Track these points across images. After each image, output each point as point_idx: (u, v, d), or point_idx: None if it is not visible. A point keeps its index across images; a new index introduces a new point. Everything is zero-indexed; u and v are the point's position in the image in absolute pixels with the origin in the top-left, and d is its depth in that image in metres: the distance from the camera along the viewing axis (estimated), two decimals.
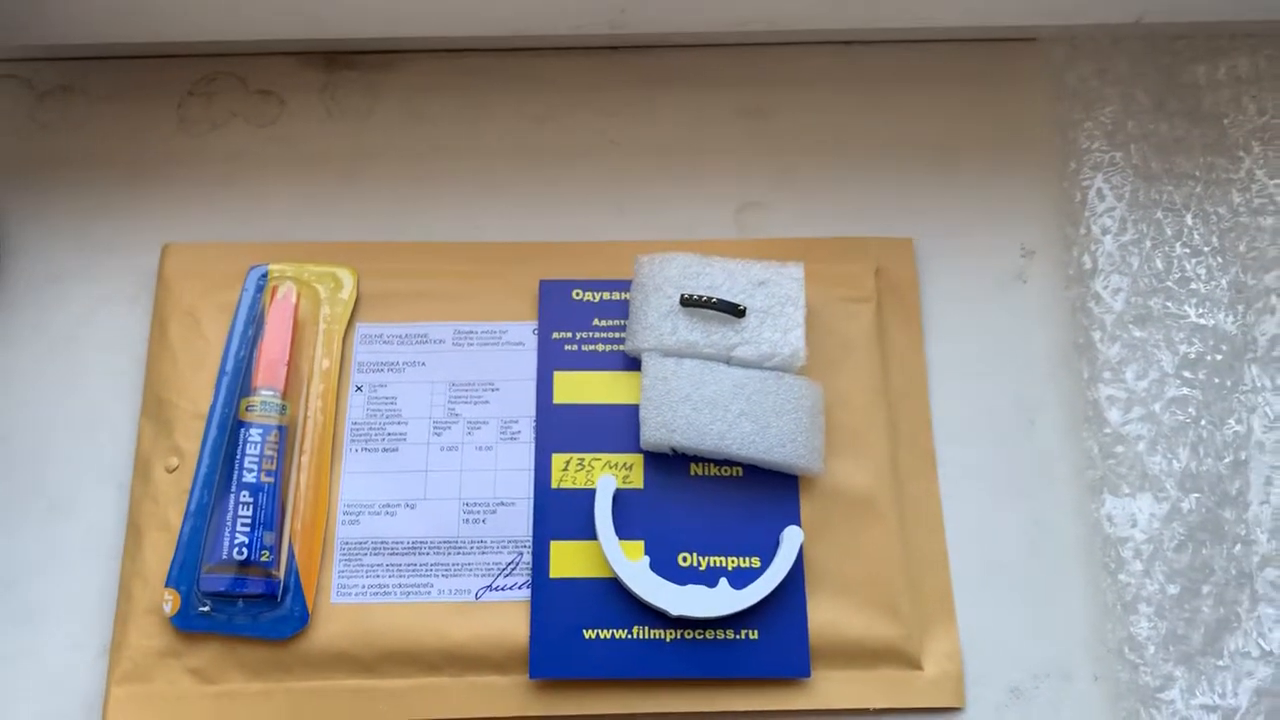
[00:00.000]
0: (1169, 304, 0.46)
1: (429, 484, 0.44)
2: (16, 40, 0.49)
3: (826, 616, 0.42)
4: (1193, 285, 0.46)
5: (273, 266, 0.46)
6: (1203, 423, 0.44)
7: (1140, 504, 0.43)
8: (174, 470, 0.44)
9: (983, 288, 0.48)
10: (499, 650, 0.42)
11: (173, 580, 0.42)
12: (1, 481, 0.45)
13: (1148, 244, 0.47)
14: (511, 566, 0.43)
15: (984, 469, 0.45)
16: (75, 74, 0.51)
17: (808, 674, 0.41)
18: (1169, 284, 0.46)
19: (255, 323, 0.45)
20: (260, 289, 0.46)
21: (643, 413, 0.43)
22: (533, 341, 0.46)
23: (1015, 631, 0.43)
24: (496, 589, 0.43)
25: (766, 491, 0.43)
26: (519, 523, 0.43)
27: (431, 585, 0.43)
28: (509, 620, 0.42)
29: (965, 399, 0.46)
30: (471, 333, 0.46)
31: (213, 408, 0.44)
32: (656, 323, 0.44)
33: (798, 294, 0.44)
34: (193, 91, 0.51)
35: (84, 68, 0.51)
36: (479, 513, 0.44)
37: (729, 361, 0.43)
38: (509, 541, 0.43)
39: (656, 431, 0.42)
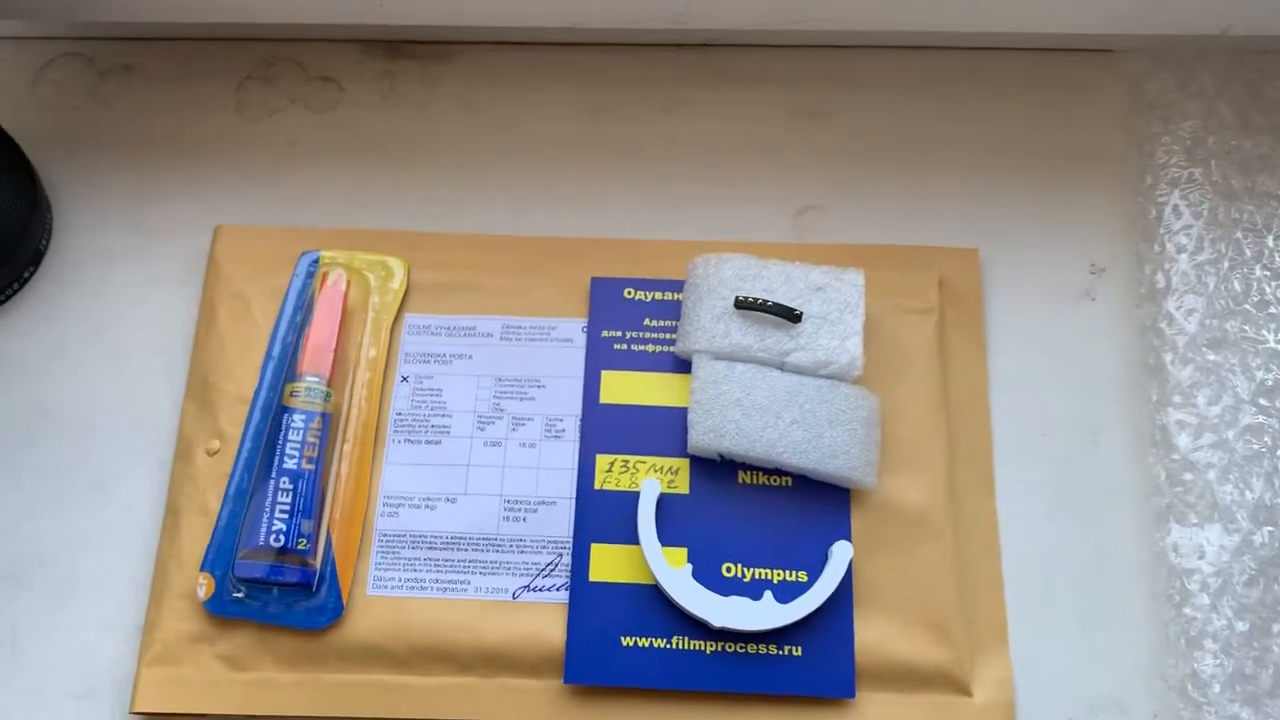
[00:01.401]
0: (1246, 327, 0.44)
1: (470, 479, 0.43)
2: (81, 18, 0.50)
3: (874, 636, 0.41)
4: (1272, 309, 0.44)
5: (324, 253, 0.46)
6: (1279, 452, 0.42)
7: (1209, 535, 0.41)
8: (215, 453, 0.43)
9: (1049, 303, 0.46)
10: (534, 653, 0.41)
11: (208, 564, 0.41)
12: (44, 457, 0.45)
13: (1225, 264, 0.45)
14: (550, 567, 0.42)
15: (1044, 491, 0.44)
16: (137, 54, 0.51)
17: (852, 695, 0.40)
18: (1247, 307, 0.44)
19: (304, 309, 0.45)
20: (311, 275, 0.45)
21: (691, 416, 0.42)
22: (581, 339, 0.45)
23: (1071, 662, 0.42)
24: (534, 589, 0.42)
25: (816, 504, 0.42)
26: (560, 523, 0.42)
27: (469, 582, 0.42)
28: (545, 622, 0.41)
29: (1027, 417, 0.45)
30: (520, 328, 0.45)
31: (257, 392, 0.44)
32: (709, 325, 0.42)
33: (857, 301, 0.43)
34: (252, 76, 0.51)
35: (145, 48, 0.52)
36: (520, 511, 0.43)
37: (782, 367, 0.42)
38: (549, 542, 0.42)
39: (704, 436, 0.41)
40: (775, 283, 0.43)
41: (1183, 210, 0.46)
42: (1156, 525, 0.42)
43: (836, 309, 0.42)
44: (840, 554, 0.40)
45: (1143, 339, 0.45)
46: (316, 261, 0.46)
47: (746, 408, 0.41)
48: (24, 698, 0.42)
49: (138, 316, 0.47)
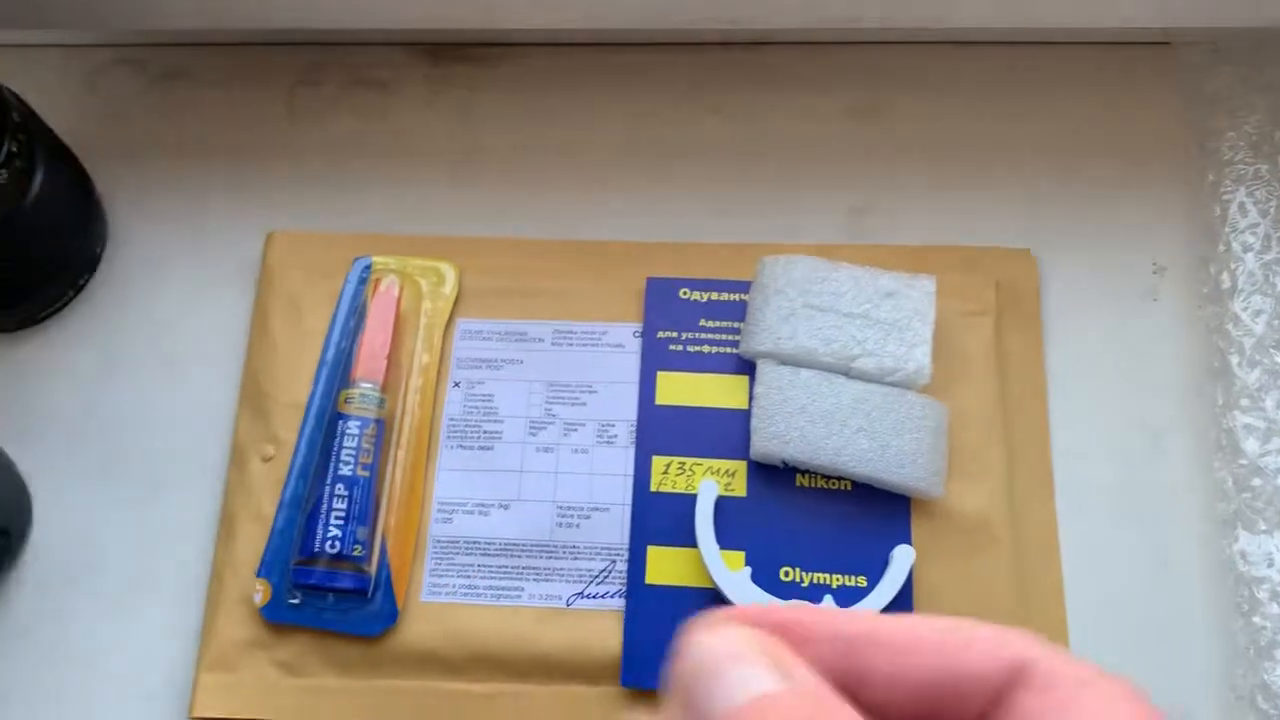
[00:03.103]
0: None
1: (523, 485, 0.43)
2: (133, 25, 0.50)
3: None
4: None
5: (376, 259, 0.46)
6: None
7: (1278, 542, 0.40)
8: (270, 460, 0.43)
9: (1109, 305, 0.45)
10: (589, 659, 0.40)
11: (264, 571, 0.41)
12: (98, 465, 0.45)
13: None
14: (604, 574, 0.42)
15: (1105, 497, 0.43)
16: (187, 60, 0.52)
17: None
18: None
19: (357, 315, 0.45)
20: (363, 281, 0.45)
21: (754, 422, 0.41)
22: (633, 344, 0.45)
23: (1135, 670, 0.40)
24: (588, 596, 0.41)
25: (876, 508, 0.41)
26: (613, 530, 0.42)
27: (522, 589, 0.42)
28: (599, 629, 0.41)
29: (1087, 422, 0.44)
30: (571, 332, 0.45)
31: (311, 398, 0.44)
32: (775, 325, 0.42)
33: (927, 309, 0.42)
34: (301, 80, 0.51)
35: (196, 54, 0.52)
36: (573, 517, 0.42)
37: (848, 373, 0.41)
38: (602, 548, 0.42)
39: (768, 442, 0.41)
40: (845, 286, 0.42)
41: (1249, 208, 0.45)
42: (1223, 532, 0.42)
43: (906, 315, 0.42)
44: (902, 558, 0.40)
45: (1208, 341, 0.44)
46: (369, 267, 0.46)
47: (811, 415, 0.40)
48: (83, 701, 0.42)
49: (191, 322, 0.47)
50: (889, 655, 0.19)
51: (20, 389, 0.46)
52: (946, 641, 0.19)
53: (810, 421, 0.40)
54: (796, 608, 0.20)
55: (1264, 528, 0.41)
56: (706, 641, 0.18)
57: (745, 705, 0.17)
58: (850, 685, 0.18)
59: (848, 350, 0.41)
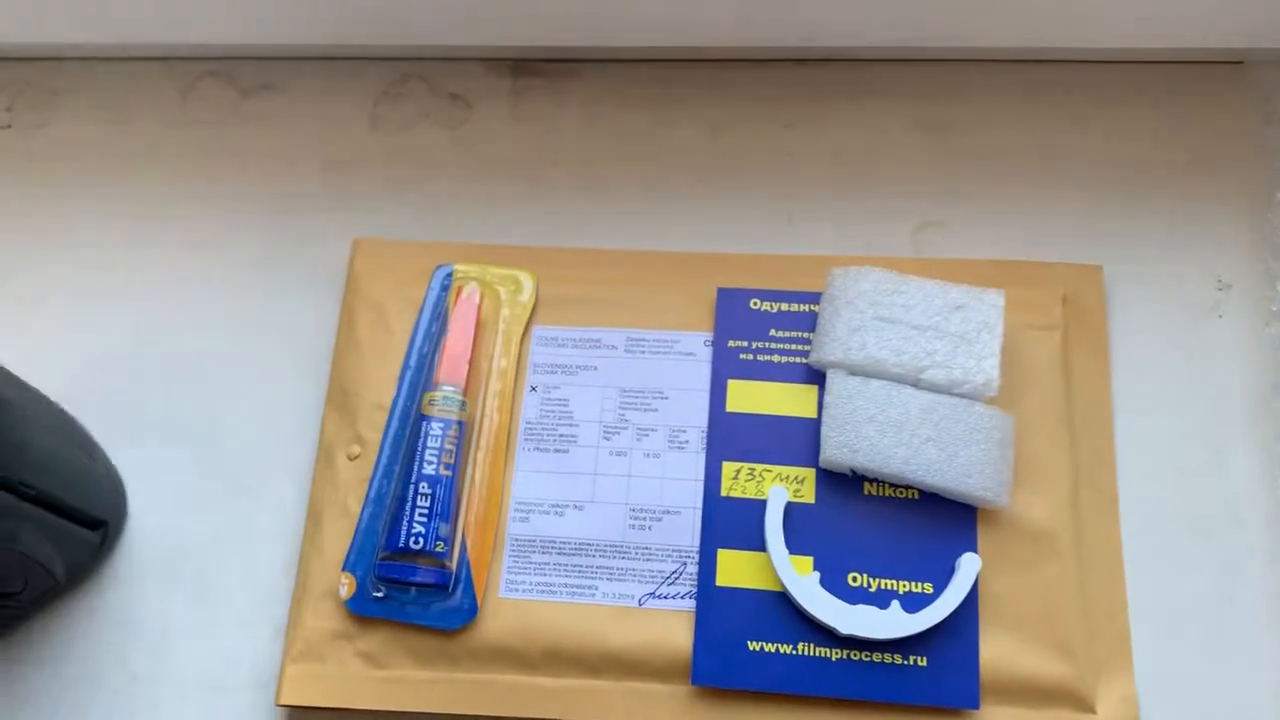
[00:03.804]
0: None
1: (597, 487, 0.44)
2: (220, 40, 0.52)
3: (997, 650, 0.41)
4: None
5: (458, 267, 0.47)
6: None
7: None
8: (356, 458, 0.45)
9: (1174, 320, 0.46)
10: (660, 658, 0.42)
11: (349, 565, 0.43)
12: (190, 462, 0.47)
13: None
14: (675, 576, 0.43)
15: (1169, 510, 0.44)
16: (276, 73, 0.54)
17: (976, 705, 0.40)
18: None
19: (440, 320, 0.46)
20: (445, 288, 0.47)
21: (824, 430, 0.42)
22: (704, 352, 0.46)
23: (1198, 683, 0.41)
24: (659, 597, 0.43)
25: (943, 517, 0.42)
26: (683, 532, 0.43)
27: (596, 588, 0.43)
28: (670, 629, 0.42)
29: (1152, 436, 0.44)
30: (643, 340, 0.46)
31: (395, 400, 0.45)
32: (845, 336, 0.43)
33: (996, 322, 0.43)
34: (386, 93, 0.53)
35: (284, 67, 0.54)
36: (645, 519, 0.44)
37: (917, 384, 0.42)
38: (673, 550, 0.43)
39: (838, 451, 0.42)
40: (914, 299, 0.43)
41: None
42: None
43: (974, 328, 0.43)
44: (968, 566, 0.41)
45: (1273, 357, 0.45)
46: (450, 275, 0.47)
47: (881, 424, 0.42)
48: (174, 690, 0.44)
49: (279, 325, 0.49)
50: None
51: (118, 389, 0.48)
52: None
53: (879, 431, 0.41)
54: None
55: None
56: None
57: None
58: None
59: (917, 362, 0.42)
